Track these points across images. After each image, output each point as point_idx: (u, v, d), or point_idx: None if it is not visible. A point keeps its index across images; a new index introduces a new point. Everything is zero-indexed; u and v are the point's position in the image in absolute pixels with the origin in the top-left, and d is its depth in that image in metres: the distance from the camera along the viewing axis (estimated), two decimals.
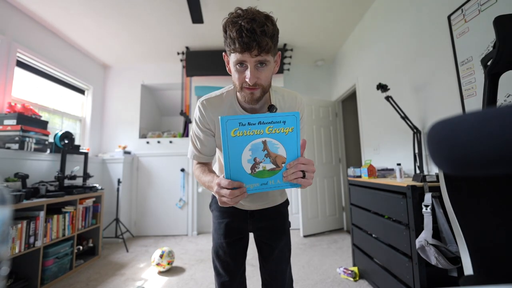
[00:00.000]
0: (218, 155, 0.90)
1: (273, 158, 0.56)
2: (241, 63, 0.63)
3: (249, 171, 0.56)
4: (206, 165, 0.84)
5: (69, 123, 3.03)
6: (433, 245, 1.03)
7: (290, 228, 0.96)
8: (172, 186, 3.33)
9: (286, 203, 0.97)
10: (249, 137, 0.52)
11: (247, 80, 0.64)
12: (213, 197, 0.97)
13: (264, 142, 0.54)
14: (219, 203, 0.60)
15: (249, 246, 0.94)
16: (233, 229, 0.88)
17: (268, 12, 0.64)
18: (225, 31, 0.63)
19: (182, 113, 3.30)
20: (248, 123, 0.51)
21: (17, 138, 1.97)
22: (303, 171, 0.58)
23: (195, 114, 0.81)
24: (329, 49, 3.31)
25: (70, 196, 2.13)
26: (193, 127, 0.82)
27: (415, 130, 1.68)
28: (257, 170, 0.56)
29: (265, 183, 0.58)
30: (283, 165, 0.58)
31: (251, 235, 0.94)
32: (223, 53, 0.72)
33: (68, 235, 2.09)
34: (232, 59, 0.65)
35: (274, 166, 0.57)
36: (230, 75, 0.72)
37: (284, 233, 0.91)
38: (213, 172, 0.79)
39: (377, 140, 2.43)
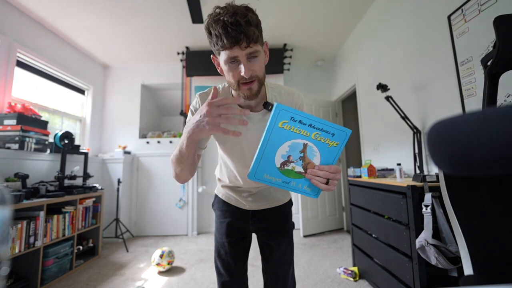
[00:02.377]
0: (221, 156, 0.88)
1: (305, 163, 0.55)
2: (232, 59, 0.62)
3: (278, 165, 0.55)
4: None
5: (69, 123, 3.03)
6: (433, 245, 1.03)
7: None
8: (172, 186, 3.32)
9: (290, 203, 0.96)
10: (294, 134, 0.51)
11: (242, 74, 0.62)
12: (216, 196, 0.97)
13: (305, 145, 0.53)
14: (197, 129, 0.56)
15: (252, 246, 0.94)
16: (234, 229, 0.88)
17: (246, 4, 0.63)
18: (209, 33, 0.61)
19: (182, 113, 3.30)
20: (300, 121, 0.50)
21: (17, 138, 1.97)
22: (328, 179, 0.57)
23: (192, 105, 0.78)
24: (329, 49, 3.31)
25: (70, 196, 2.13)
26: (188, 119, 0.77)
27: (415, 130, 1.68)
28: (286, 167, 0.55)
29: (287, 182, 0.57)
30: None
31: (254, 236, 0.94)
32: (211, 56, 0.70)
33: (68, 235, 2.09)
34: (222, 57, 0.63)
35: (302, 171, 0.56)
36: None
37: (286, 234, 0.90)
38: None
39: (377, 140, 2.43)
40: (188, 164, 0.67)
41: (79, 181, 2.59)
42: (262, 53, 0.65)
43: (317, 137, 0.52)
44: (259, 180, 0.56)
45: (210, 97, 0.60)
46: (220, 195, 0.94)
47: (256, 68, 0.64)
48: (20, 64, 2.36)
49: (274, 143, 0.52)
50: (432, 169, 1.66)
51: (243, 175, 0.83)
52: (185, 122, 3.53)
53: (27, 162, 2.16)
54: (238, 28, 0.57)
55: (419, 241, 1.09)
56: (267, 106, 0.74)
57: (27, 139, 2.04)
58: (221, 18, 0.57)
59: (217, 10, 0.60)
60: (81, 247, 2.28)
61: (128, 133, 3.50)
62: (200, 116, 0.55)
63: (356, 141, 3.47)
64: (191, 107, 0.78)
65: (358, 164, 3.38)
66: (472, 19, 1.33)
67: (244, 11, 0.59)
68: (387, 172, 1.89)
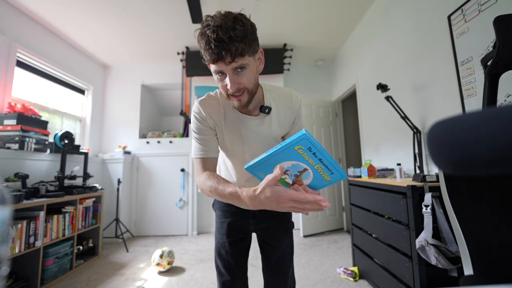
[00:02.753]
0: (223, 158, 0.88)
1: (296, 179, 0.59)
2: (220, 73, 0.63)
3: (273, 171, 0.60)
4: (215, 173, 0.74)
5: (69, 123, 3.03)
6: (433, 245, 1.03)
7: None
8: (172, 186, 3.33)
9: None
10: (302, 158, 0.55)
11: (228, 88, 0.63)
12: None
13: (305, 169, 0.58)
14: (267, 207, 0.55)
15: (252, 246, 0.94)
16: (235, 229, 0.88)
17: (239, 11, 0.62)
18: (198, 43, 0.62)
19: (182, 113, 3.30)
20: (314, 153, 0.53)
21: (17, 138, 1.97)
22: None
23: (193, 112, 0.77)
24: (329, 49, 3.31)
25: (70, 196, 2.13)
26: (192, 127, 0.79)
27: (415, 130, 1.68)
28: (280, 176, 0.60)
29: None
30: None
31: (254, 236, 0.94)
32: (206, 63, 0.70)
33: (68, 235, 2.09)
34: (211, 69, 0.64)
35: (290, 183, 0.60)
36: None
37: (286, 234, 0.90)
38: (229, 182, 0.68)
39: (377, 140, 2.43)
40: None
41: (79, 181, 2.59)
42: (251, 64, 0.64)
43: (318, 169, 0.56)
44: (252, 174, 0.60)
45: (275, 178, 0.53)
46: None
47: (244, 81, 0.64)
48: (20, 64, 2.36)
49: (281, 157, 0.55)
50: (432, 169, 1.66)
51: (239, 173, 0.85)
52: (185, 123, 3.55)
53: (27, 162, 2.16)
54: (221, 44, 0.56)
55: (419, 241, 1.09)
56: (264, 109, 0.75)
57: (27, 139, 2.04)
58: (207, 32, 0.57)
59: (208, 19, 0.59)
60: (81, 247, 2.28)
61: (128, 133, 3.49)
62: (277, 202, 0.53)
63: (356, 141, 3.48)
64: (193, 113, 0.77)
65: (358, 164, 3.38)
66: (472, 19, 1.32)
67: (230, 24, 0.57)
68: (387, 172, 1.89)
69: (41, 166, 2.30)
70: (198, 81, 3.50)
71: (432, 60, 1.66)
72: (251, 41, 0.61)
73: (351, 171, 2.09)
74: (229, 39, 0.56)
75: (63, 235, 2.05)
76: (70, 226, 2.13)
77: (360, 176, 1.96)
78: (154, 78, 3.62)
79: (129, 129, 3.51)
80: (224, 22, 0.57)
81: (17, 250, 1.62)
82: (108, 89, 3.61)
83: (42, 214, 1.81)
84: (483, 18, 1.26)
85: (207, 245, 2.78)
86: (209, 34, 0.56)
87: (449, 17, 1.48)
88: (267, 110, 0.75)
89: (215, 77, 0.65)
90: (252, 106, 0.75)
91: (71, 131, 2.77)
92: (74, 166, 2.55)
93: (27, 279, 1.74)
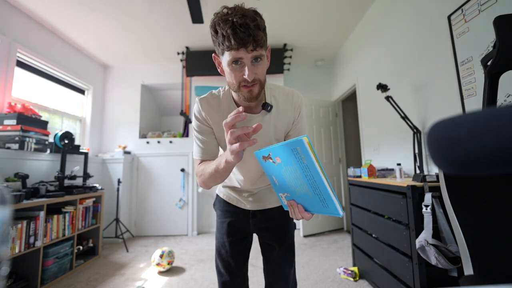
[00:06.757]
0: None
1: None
2: (236, 61, 0.61)
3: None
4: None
5: (69, 123, 3.03)
6: (433, 245, 1.03)
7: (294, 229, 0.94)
8: (172, 186, 3.33)
9: None
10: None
11: (245, 77, 0.62)
12: (217, 196, 0.97)
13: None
14: (234, 151, 0.54)
15: (252, 246, 0.94)
16: (235, 229, 0.88)
17: (254, 8, 0.63)
18: (215, 31, 0.60)
19: (182, 113, 3.30)
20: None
21: (17, 138, 1.97)
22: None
23: (194, 111, 0.78)
24: (329, 49, 3.31)
25: (70, 196, 2.13)
26: (193, 126, 0.79)
27: (415, 130, 1.68)
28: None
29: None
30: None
31: (255, 236, 0.94)
32: (213, 55, 0.69)
33: (68, 235, 2.09)
34: (226, 58, 0.62)
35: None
36: None
37: (287, 235, 0.89)
38: None
39: (377, 140, 2.43)
40: (223, 179, 0.71)
41: (79, 181, 2.59)
42: (265, 58, 0.66)
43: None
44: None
45: (231, 117, 0.55)
46: (221, 195, 0.94)
47: (259, 72, 0.64)
48: (20, 64, 2.36)
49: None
50: (432, 169, 1.66)
51: (240, 176, 0.84)
52: (185, 123, 3.55)
53: (27, 162, 2.16)
54: (247, 30, 0.56)
55: (419, 241, 1.09)
56: (266, 107, 0.75)
57: (27, 139, 2.04)
58: (230, 18, 0.57)
59: (225, 10, 0.59)
60: (81, 247, 2.28)
61: (128, 133, 3.49)
62: (228, 141, 0.56)
63: (356, 141, 3.47)
64: (194, 111, 0.78)
65: (358, 164, 3.38)
66: (472, 19, 1.33)
67: (253, 15, 0.59)
68: (387, 172, 1.89)
69: (41, 166, 2.30)
70: (198, 81, 3.50)
71: (432, 60, 1.66)
72: (267, 36, 0.65)
73: (351, 171, 2.09)
74: (255, 26, 0.58)
75: (63, 235, 2.05)
76: (70, 226, 2.13)
77: (360, 176, 1.95)
78: (154, 78, 3.62)
79: (129, 129, 3.51)
80: (247, 12, 0.59)
81: (17, 250, 1.62)
82: (108, 89, 3.61)
83: (42, 214, 1.81)
84: (483, 18, 1.26)
85: (207, 245, 2.78)
86: (236, 20, 0.56)
87: (449, 17, 1.48)
88: (269, 108, 0.75)
89: (229, 67, 0.63)
90: (254, 103, 0.75)
91: (71, 131, 2.77)
92: (74, 166, 2.55)
93: (27, 279, 1.74)
